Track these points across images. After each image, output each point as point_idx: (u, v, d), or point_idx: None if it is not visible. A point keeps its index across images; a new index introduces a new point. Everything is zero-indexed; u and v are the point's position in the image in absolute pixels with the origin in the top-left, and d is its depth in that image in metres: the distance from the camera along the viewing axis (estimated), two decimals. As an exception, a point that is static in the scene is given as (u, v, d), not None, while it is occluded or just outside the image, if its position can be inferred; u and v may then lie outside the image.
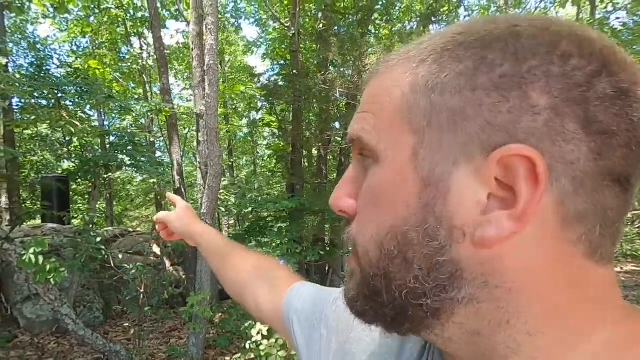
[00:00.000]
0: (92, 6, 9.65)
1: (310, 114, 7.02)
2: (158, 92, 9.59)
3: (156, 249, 6.39)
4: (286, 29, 6.65)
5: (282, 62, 7.66)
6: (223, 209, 6.76)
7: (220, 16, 7.98)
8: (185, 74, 13.05)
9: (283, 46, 7.79)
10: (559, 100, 0.25)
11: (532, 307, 0.27)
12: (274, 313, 0.58)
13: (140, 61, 9.99)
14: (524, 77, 0.26)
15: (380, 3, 6.51)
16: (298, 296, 0.55)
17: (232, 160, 13.58)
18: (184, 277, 6.42)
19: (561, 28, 0.27)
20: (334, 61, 6.32)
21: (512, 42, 0.27)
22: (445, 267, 0.28)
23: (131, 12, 10.04)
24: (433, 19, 5.84)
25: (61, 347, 4.68)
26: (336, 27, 6.32)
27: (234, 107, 12.94)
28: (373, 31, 7.11)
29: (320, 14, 6.62)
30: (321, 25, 6.54)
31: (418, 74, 0.30)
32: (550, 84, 0.25)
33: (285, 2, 7.64)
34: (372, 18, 6.67)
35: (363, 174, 0.33)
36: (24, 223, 6.43)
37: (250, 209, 5.26)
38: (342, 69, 6.02)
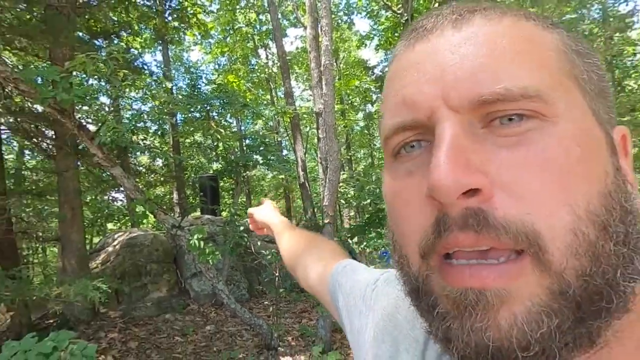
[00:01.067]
0: (228, 27, 11.22)
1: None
2: (282, 96, 10.55)
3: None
4: (398, 16, 6.48)
5: (396, 50, 7.50)
6: (343, 202, 7.07)
7: (333, 15, 8.28)
8: (305, 76, 13.99)
9: (396, 34, 7.63)
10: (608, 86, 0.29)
11: None
12: (321, 286, 0.59)
13: (266, 70, 11.16)
14: (600, 68, 0.29)
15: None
16: (343, 273, 0.55)
17: (350, 154, 13.99)
18: (311, 264, 6.96)
19: None
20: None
21: (576, 36, 0.30)
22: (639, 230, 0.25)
23: (257, 27, 11.29)
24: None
25: (219, 316, 5.68)
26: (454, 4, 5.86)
27: (349, 102, 13.28)
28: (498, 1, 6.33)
29: (434, -6, 6.25)
30: (437, 4, 6.16)
31: (559, 33, 0.28)
32: (602, 70, 0.29)
33: (397, -11, 7.44)
34: (496, -15, 5.94)
35: (490, 138, 0.24)
36: (189, 215, 7.98)
37: (368, 200, 5.37)
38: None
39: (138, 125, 3.77)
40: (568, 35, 0.28)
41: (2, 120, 4.72)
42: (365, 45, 11.39)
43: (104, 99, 5.87)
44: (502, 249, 0.23)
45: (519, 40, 0.26)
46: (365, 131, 14.41)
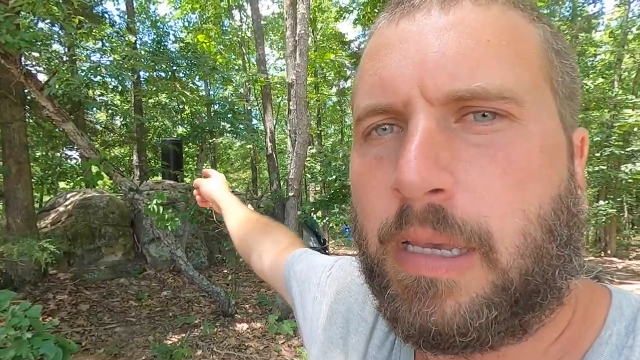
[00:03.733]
0: (200, -17, 10.47)
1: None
2: (255, 63, 10.17)
3: (251, 208, 7.06)
4: (379, -9, 6.34)
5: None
6: (309, 176, 7.09)
7: (313, -17, 7.96)
8: (280, 44, 13.51)
9: (376, 10, 7.49)
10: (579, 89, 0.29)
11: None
12: (276, 272, 0.60)
13: (240, 33, 10.65)
14: (575, 66, 0.29)
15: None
16: (299, 261, 0.55)
17: (320, 129, 13.92)
18: (273, 235, 7.01)
19: None
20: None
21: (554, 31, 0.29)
22: (583, 235, 0.27)
23: (233, -15, 10.61)
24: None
25: (176, 282, 5.64)
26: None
27: (323, 75, 13.08)
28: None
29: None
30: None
31: (543, 28, 0.27)
32: (575, 71, 0.29)
33: (380, -38, 7.24)
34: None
35: (460, 136, 0.25)
36: (149, 179, 7.68)
37: (334, 176, 5.43)
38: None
39: (95, 79, 3.49)
40: (551, 32, 0.28)
41: None
42: (344, 17, 11.14)
43: (57, 47, 5.38)
44: (455, 245, 0.24)
45: (505, 34, 0.25)
46: (338, 107, 14.33)
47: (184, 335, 3.94)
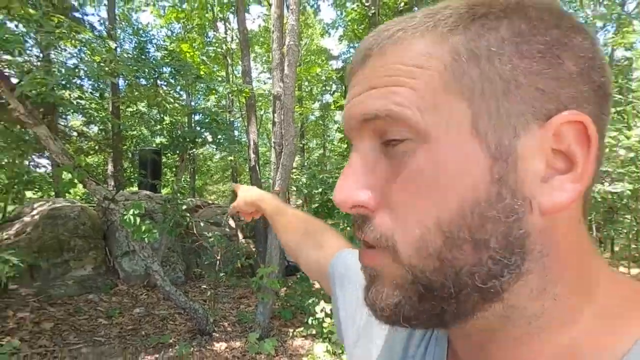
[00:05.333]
0: (186, -7, 10.39)
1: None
2: (239, 75, 10.11)
3: (231, 222, 6.86)
4: (366, 8, 6.47)
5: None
6: (294, 189, 6.98)
7: (300, -2, 8.04)
8: (264, 58, 13.53)
9: (361, 27, 7.62)
10: (584, 68, 0.28)
11: (565, 272, 0.29)
12: (321, 273, 0.65)
13: (224, 45, 10.59)
14: (557, 46, 0.27)
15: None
16: (343, 262, 0.59)
17: (303, 142, 13.91)
18: (254, 250, 6.83)
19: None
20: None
21: (533, 12, 0.28)
22: (519, 241, 0.27)
23: (219, -3, 10.60)
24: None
25: (150, 298, 5.33)
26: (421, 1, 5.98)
27: (308, 89, 13.15)
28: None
29: (403, -9, 6.30)
30: (402, 4, 6.23)
31: (456, 42, 0.28)
32: (576, 53, 0.28)
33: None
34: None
35: (384, 160, 0.30)
36: (125, 188, 7.35)
37: (320, 190, 5.34)
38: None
39: (72, 80, 3.30)
40: (475, 38, 0.28)
41: None
42: (329, 34, 11.32)
43: (33, 50, 5.12)
44: (373, 245, 0.31)
45: (402, 70, 0.29)
46: (320, 122, 14.38)
47: (157, 355, 3.68)
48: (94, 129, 8.41)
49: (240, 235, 6.99)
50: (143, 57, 6.72)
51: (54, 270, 5.13)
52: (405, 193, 0.28)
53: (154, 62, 6.40)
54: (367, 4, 6.48)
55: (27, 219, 5.57)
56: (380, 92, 0.29)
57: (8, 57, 3.68)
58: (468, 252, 0.27)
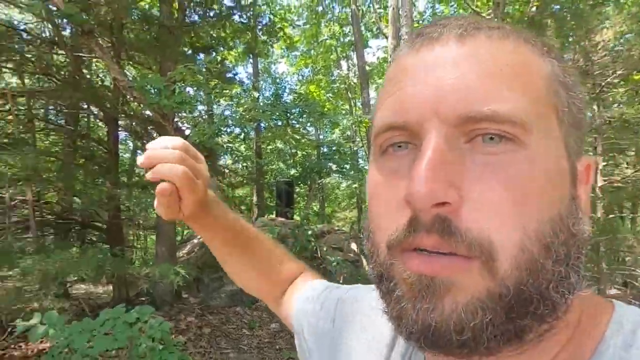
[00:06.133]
0: (313, 40, 11.73)
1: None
2: (360, 106, 10.61)
3: (354, 247, 7.06)
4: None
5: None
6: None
7: (416, 24, 8.11)
8: (385, 87, 13.84)
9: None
10: (588, 121, 0.32)
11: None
12: (287, 312, 0.60)
13: (346, 80, 11.37)
14: (583, 100, 0.31)
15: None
16: (308, 299, 0.55)
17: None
18: (378, 276, 6.80)
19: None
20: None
21: (568, 66, 0.31)
22: (584, 254, 0.28)
23: (341, 39, 11.58)
24: None
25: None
26: (556, 6, 5.30)
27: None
28: (612, -1, 5.53)
29: (532, -4, 5.71)
30: (534, 8, 5.62)
31: (552, 62, 0.30)
32: (587, 106, 0.32)
33: (488, -7, 6.99)
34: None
35: (471, 155, 0.27)
36: (265, 215, 8.44)
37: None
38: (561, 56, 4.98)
39: (223, 129, 4.18)
40: (559, 65, 0.30)
41: (121, 123, 5.60)
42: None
43: (199, 107, 6.60)
44: (458, 253, 0.26)
45: (515, 65, 0.27)
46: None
47: (288, 369, 4.01)
48: (241, 165, 10.05)
49: (364, 261, 7.11)
50: (278, 102, 7.80)
51: (212, 284, 6.21)
52: (506, 195, 0.26)
53: (286, 104, 7.37)
54: (488, 18, 6.09)
55: (195, 240, 6.96)
56: (492, 87, 0.26)
57: (183, 114, 4.84)
58: (559, 264, 0.26)
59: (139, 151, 8.27)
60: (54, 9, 3.53)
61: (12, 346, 3.70)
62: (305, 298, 0.56)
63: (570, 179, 0.29)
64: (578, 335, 0.30)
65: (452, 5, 10.20)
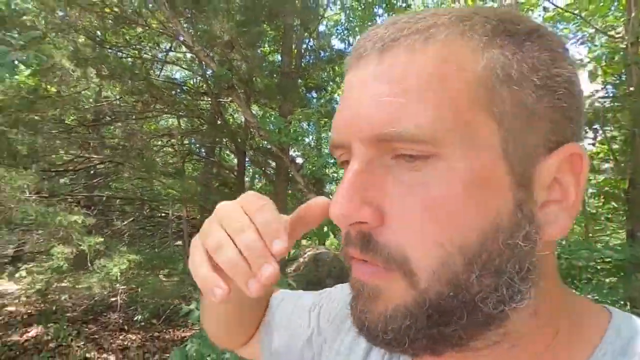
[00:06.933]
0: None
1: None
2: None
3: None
4: (617, 40, 5.46)
5: (615, 79, 6.22)
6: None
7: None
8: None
9: (613, 60, 6.33)
10: (581, 104, 0.29)
11: (550, 293, 0.30)
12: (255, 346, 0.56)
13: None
14: (569, 82, 0.28)
15: None
16: (279, 309, 0.54)
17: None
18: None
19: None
20: None
21: (553, 44, 0.29)
22: (532, 267, 0.28)
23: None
24: None
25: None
26: None
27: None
28: None
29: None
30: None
31: (494, 57, 0.27)
32: (579, 90, 0.29)
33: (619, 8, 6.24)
34: None
35: (392, 174, 0.28)
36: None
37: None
38: None
39: (330, 161, 4.70)
40: (509, 55, 0.27)
41: (249, 154, 6.69)
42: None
43: (310, 138, 7.41)
44: (377, 264, 0.29)
45: (431, 74, 0.26)
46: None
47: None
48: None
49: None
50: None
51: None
52: (424, 213, 0.26)
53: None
54: (617, 36, 5.48)
55: (301, 259, 7.66)
56: (404, 104, 0.26)
57: (297, 147, 5.55)
58: (485, 278, 0.26)
59: (257, 176, 9.53)
60: (209, 71, 4.64)
61: (164, 330, 4.74)
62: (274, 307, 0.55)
63: (515, 183, 0.27)
64: (563, 341, 0.30)
65: (574, 23, 9.23)
